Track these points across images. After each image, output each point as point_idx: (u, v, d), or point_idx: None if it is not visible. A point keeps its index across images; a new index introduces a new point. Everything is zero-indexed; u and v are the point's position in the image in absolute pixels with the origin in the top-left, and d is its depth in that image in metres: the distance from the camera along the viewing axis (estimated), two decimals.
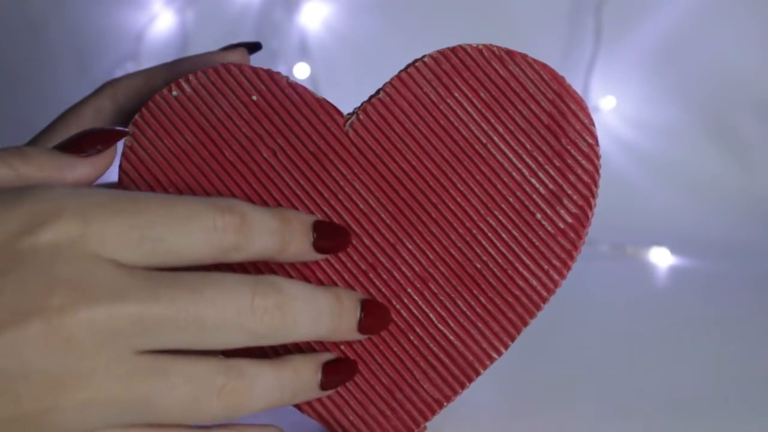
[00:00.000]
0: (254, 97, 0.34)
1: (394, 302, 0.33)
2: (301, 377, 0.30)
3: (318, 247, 0.31)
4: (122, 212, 0.26)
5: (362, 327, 0.31)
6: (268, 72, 0.34)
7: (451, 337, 0.33)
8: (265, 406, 0.29)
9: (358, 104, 0.34)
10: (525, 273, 0.33)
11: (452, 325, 0.33)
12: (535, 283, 0.33)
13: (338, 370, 0.31)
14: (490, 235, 0.33)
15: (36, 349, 0.25)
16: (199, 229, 0.27)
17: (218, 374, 0.27)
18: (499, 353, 0.33)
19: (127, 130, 0.32)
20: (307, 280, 0.33)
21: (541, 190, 0.33)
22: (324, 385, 0.31)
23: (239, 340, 0.28)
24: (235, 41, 0.40)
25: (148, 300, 0.26)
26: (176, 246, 0.27)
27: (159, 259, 0.27)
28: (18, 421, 0.25)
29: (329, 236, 0.31)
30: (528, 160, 0.33)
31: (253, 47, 0.38)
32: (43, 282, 0.25)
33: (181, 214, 0.27)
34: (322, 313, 0.30)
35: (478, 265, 0.33)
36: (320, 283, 0.33)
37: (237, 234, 0.28)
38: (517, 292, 0.33)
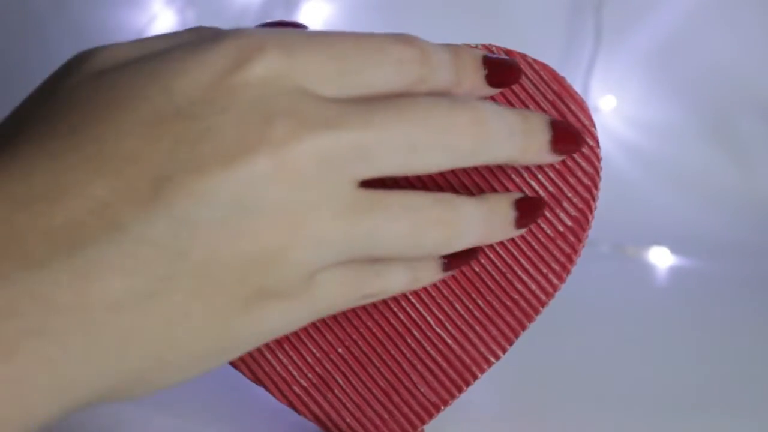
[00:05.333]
0: None
1: (391, 305, 0.33)
2: (498, 212, 0.31)
3: (491, 81, 0.31)
4: (320, 45, 0.27)
5: (555, 147, 0.31)
6: None
7: (449, 341, 0.33)
8: (472, 240, 0.30)
9: None
10: (524, 276, 0.33)
11: (450, 328, 0.33)
12: (533, 286, 0.33)
13: (529, 205, 0.32)
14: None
15: (266, 182, 0.25)
16: (390, 61, 0.28)
17: (433, 204, 0.28)
18: (497, 357, 0.33)
19: None
20: None
21: (541, 192, 0.33)
22: (519, 222, 0.32)
23: (445, 160, 0.28)
24: None
25: (364, 126, 0.26)
26: (370, 77, 0.27)
27: (356, 90, 0.27)
28: (256, 261, 0.25)
29: (500, 70, 0.31)
30: None
31: None
32: (260, 115, 0.25)
33: (371, 47, 0.28)
34: (514, 128, 0.30)
35: (477, 269, 0.33)
36: None
37: (422, 66, 0.28)
38: (516, 296, 0.33)
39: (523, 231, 0.32)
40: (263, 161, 0.25)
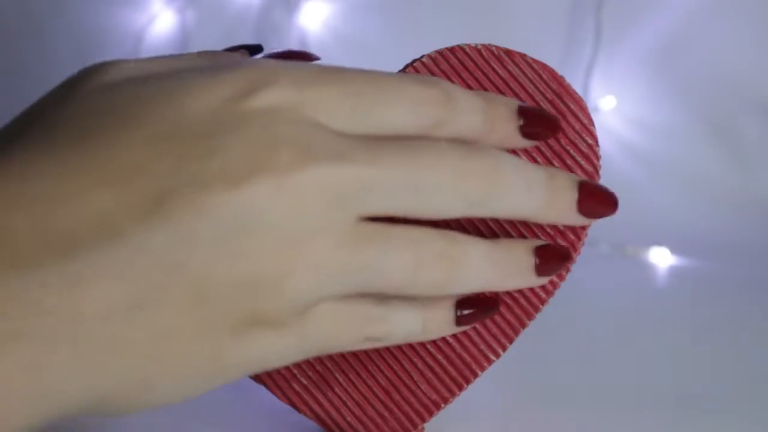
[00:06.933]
0: None
1: None
2: (515, 256, 0.30)
3: (525, 133, 0.30)
4: (334, 82, 0.27)
5: (581, 207, 0.30)
6: None
7: (449, 339, 0.33)
8: (480, 282, 0.29)
9: None
10: None
11: None
12: None
13: (553, 254, 0.30)
14: (488, 236, 0.33)
15: (268, 206, 0.24)
16: (406, 101, 0.27)
17: (437, 239, 0.28)
18: (497, 355, 0.33)
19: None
20: None
21: None
22: (540, 270, 0.30)
23: (454, 206, 0.28)
24: (235, 41, 0.39)
25: (370, 162, 0.26)
26: (384, 116, 0.27)
27: (368, 128, 0.27)
28: (251, 284, 0.25)
29: (536, 121, 0.30)
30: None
31: (255, 49, 0.38)
32: (267, 140, 0.25)
33: (389, 87, 0.27)
34: (534, 183, 0.29)
35: None
36: None
37: (442, 108, 0.28)
38: (516, 294, 0.33)
39: (545, 280, 0.31)
40: (266, 186, 0.24)
